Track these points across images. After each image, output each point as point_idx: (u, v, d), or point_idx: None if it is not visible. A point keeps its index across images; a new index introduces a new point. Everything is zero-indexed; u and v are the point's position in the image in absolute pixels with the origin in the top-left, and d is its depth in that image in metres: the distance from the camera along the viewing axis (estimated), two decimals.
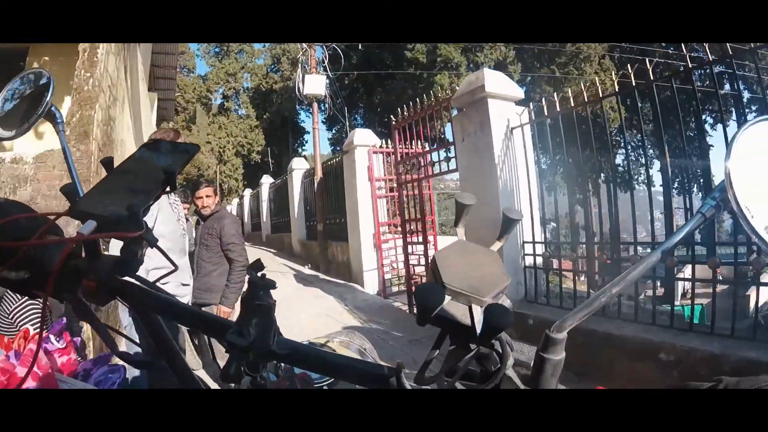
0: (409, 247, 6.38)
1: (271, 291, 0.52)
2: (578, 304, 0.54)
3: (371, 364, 0.53)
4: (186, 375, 0.59)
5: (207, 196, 3.84)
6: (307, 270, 10.17)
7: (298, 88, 10.81)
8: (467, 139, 4.73)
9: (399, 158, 6.33)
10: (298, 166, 12.53)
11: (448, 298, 0.46)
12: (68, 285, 0.54)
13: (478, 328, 0.44)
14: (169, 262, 0.62)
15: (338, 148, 8.99)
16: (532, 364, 0.47)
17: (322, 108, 11.97)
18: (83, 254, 0.56)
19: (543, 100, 4.18)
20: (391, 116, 6.39)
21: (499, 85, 4.51)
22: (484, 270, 0.49)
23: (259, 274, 0.52)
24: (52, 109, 0.73)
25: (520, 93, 4.68)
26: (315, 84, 10.38)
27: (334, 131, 31.74)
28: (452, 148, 5.25)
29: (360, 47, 23.69)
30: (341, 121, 25.82)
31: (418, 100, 5.81)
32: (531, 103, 4.62)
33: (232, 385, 0.54)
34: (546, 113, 4.15)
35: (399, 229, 7.98)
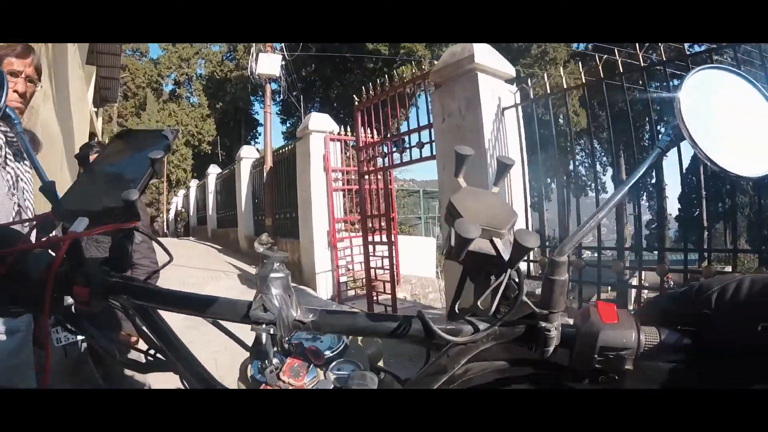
0: (370, 247, 5.50)
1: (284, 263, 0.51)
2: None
3: (395, 316, 0.53)
4: (196, 370, 0.61)
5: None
6: (253, 269, 9.18)
7: (251, 68, 9.80)
8: (449, 119, 3.99)
9: (362, 144, 5.44)
10: (247, 155, 11.51)
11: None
12: (57, 295, 0.52)
13: (506, 256, 0.46)
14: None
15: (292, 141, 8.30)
16: (540, 291, 0.49)
17: (276, 89, 11.04)
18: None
19: (527, 82, 3.78)
20: (354, 95, 5.51)
21: (491, 59, 3.84)
22: (496, 209, 0.51)
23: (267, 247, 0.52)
24: (7, 110, 0.63)
25: (511, 70, 4.04)
26: (269, 63, 9.43)
27: (288, 125, 30.70)
28: (427, 131, 4.50)
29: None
30: (296, 114, 25.09)
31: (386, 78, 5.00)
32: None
33: (254, 376, 0.68)
34: (532, 96, 3.69)
35: (357, 226, 7.15)
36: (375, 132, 5.39)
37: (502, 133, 3.76)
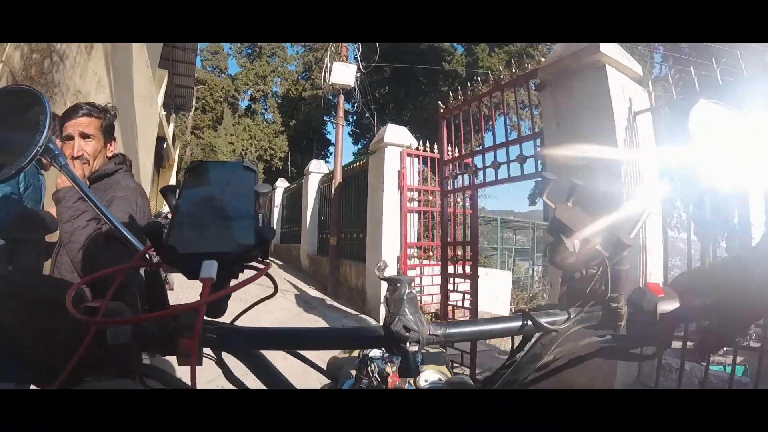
0: (449, 279, 4.62)
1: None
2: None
3: (506, 317, 0.60)
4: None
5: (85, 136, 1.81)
6: (313, 291, 8.54)
7: (325, 77, 9.27)
8: (565, 123, 3.17)
9: (447, 156, 4.60)
10: (316, 169, 11.03)
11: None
12: (162, 351, 0.48)
13: (616, 251, 0.58)
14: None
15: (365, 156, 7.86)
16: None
17: (349, 109, 10.66)
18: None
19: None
20: (439, 102, 4.74)
21: (616, 52, 3.04)
22: (587, 219, 0.60)
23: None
24: (50, 145, 0.64)
25: (638, 68, 3.21)
26: (344, 73, 8.85)
27: (360, 145, 30.51)
28: (530, 142, 3.66)
29: (395, 60, 22.83)
30: (368, 135, 24.97)
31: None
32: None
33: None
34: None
35: (430, 254, 6.31)
36: (459, 145, 4.56)
37: (635, 141, 2.96)
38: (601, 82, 2.92)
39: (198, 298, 0.42)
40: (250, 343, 0.55)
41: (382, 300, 5.21)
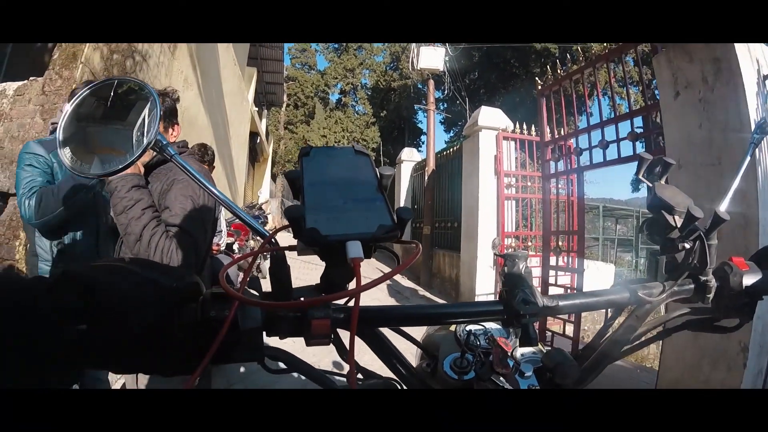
0: (551, 271, 4.25)
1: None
2: None
3: (607, 290, 0.63)
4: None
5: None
6: (405, 281, 8.44)
7: (412, 63, 9.07)
8: (686, 92, 2.79)
9: (547, 137, 4.23)
10: (408, 158, 10.92)
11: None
12: (292, 333, 0.49)
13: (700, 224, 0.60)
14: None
15: (458, 141, 7.68)
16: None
17: (439, 97, 10.52)
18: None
19: None
20: (536, 78, 4.37)
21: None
22: (681, 196, 0.63)
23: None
24: (158, 137, 0.62)
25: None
26: (432, 57, 8.60)
27: (452, 133, 30.06)
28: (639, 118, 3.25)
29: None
30: (459, 123, 24.57)
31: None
32: None
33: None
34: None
35: (530, 244, 5.93)
36: (559, 125, 4.17)
37: (765, 108, 2.56)
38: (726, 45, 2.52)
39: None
40: (374, 322, 0.55)
41: (479, 290, 4.98)
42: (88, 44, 3.18)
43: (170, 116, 1.74)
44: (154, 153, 1.64)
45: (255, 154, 15.66)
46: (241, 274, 4.33)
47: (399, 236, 0.46)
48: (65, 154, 0.63)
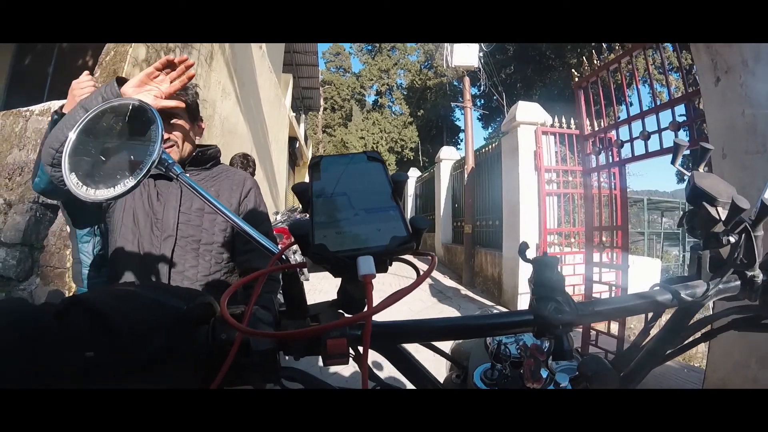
0: (595, 269, 4.14)
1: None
2: None
3: (644, 294, 0.58)
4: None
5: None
6: (447, 281, 8.40)
7: (447, 61, 9.01)
8: (727, 78, 2.67)
9: (587, 130, 4.13)
10: (447, 156, 10.86)
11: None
12: (307, 353, 0.47)
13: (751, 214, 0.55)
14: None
15: (497, 137, 7.61)
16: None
17: (476, 93, 10.37)
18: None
19: None
20: (573, 70, 4.28)
21: None
22: (723, 185, 0.59)
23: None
24: (163, 155, 0.65)
25: None
26: (465, 54, 8.52)
27: (490, 129, 29.69)
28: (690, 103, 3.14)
29: None
30: (497, 119, 24.26)
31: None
32: None
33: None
34: None
35: (572, 240, 5.81)
36: (599, 117, 4.06)
37: None
38: None
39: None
40: (395, 338, 0.52)
41: (521, 288, 4.91)
42: (127, 62, 3.29)
43: (193, 113, 1.60)
44: (185, 155, 1.55)
45: (294, 159, 15.93)
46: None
47: (415, 248, 0.42)
48: (71, 181, 0.63)
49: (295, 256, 5.90)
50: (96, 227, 2.09)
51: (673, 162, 0.66)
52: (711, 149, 0.64)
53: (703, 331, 0.65)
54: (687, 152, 0.68)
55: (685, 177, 0.59)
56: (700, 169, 0.63)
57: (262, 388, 0.45)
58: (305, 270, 6.33)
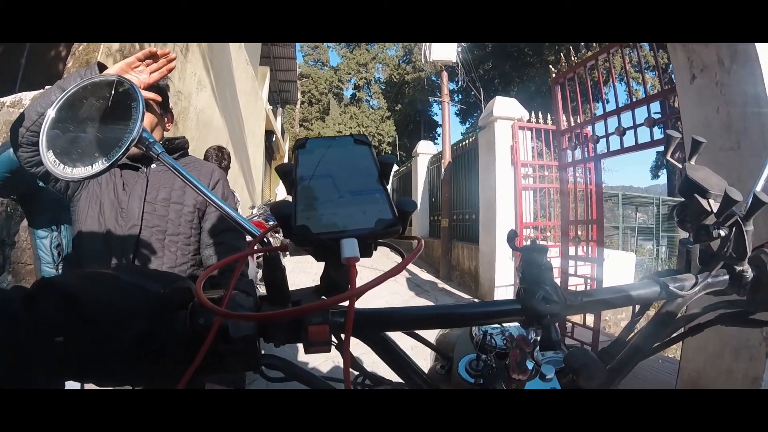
0: (570, 262, 4.22)
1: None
2: None
3: (634, 285, 0.57)
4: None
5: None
6: (424, 275, 8.43)
7: (425, 55, 9.01)
8: (702, 75, 2.72)
9: (563, 125, 4.18)
10: (424, 150, 10.89)
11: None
12: (288, 340, 0.46)
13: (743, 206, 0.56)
14: None
15: (474, 132, 7.64)
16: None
17: (453, 89, 10.37)
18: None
19: None
20: (550, 66, 4.32)
21: None
22: (715, 178, 0.59)
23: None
24: (143, 134, 0.63)
25: None
26: (444, 49, 8.53)
27: (467, 124, 29.86)
28: (666, 100, 3.20)
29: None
30: (474, 114, 24.44)
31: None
32: None
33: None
34: None
35: (548, 234, 5.88)
36: (575, 113, 4.12)
37: None
38: None
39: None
40: (379, 326, 0.51)
41: (498, 281, 4.94)
42: (101, 51, 3.20)
43: (163, 103, 1.57)
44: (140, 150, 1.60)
45: (271, 152, 15.78)
46: (260, 272, 4.40)
47: (401, 231, 0.41)
48: (48, 159, 0.62)
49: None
50: (55, 225, 2.06)
51: (664, 154, 0.66)
52: (703, 142, 0.64)
53: (690, 325, 0.65)
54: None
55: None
56: (692, 162, 0.63)
57: (242, 375, 0.44)
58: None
